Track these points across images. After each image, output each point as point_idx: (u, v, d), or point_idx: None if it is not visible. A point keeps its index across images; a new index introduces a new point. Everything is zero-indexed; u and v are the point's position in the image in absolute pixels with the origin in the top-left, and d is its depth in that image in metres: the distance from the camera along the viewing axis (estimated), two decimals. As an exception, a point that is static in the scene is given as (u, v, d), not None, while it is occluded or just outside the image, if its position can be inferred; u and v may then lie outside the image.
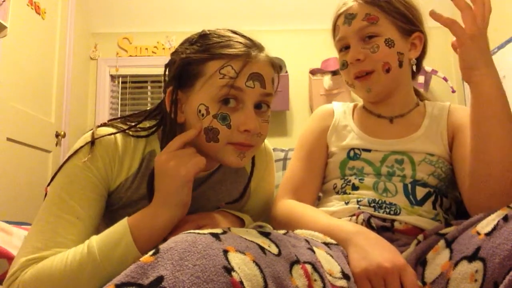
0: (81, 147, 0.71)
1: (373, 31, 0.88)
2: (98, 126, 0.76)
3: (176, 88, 0.73)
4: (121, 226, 0.65)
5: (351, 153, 0.92)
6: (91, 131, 0.74)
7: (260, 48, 0.74)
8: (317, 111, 1.05)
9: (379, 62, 0.88)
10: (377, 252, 0.66)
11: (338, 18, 0.93)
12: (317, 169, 0.96)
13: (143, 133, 0.77)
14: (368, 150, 0.90)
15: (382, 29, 0.88)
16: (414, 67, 0.94)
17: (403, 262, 0.64)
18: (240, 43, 0.71)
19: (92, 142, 0.71)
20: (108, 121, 0.79)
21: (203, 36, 0.74)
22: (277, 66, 0.77)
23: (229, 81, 0.68)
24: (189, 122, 0.73)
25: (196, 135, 0.70)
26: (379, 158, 0.89)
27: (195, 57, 0.71)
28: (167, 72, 0.77)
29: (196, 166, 0.67)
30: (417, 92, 1.02)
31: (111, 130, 0.74)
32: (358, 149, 0.91)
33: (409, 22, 0.90)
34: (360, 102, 1.05)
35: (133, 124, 0.77)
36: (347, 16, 0.90)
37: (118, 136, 0.74)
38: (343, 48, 0.93)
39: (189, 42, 0.75)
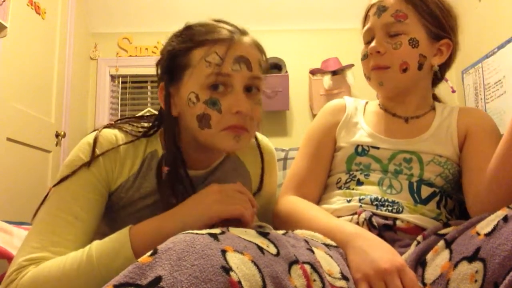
0: (83, 148, 0.72)
1: (398, 29, 0.87)
2: (104, 127, 0.76)
3: (168, 82, 0.74)
4: (122, 236, 0.63)
5: (359, 149, 0.91)
6: (94, 132, 0.75)
7: (243, 32, 0.74)
8: (328, 105, 1.03)
9: (397, 59, 0.87)
10: (376, 253, 0.65)
11: (371, 8, 0.93)
12: (323, 164, 0.95)
13: (144, 131, 0.78)
14: (377, 148, 0.90)
15: (408, 27, 0.87)
16: (438, 74, 0.93)
17: (402, 263, 0.64)
18: (223, 28, 0.72)
19: (94, 143, 0.72)
20: (114, 122, 0.80)
21: (187, 28, 0.75)
22: (263, 48, 0.77)
23: (215, 68, 0.68)
24: (183, 114, 0.73)
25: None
26: (387, 155, 0.88)
27: (180, 48, 0.73)
28: (159, 70, 0.78)
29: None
30: (435, 98, 1.01)
31: (114, 131, 0.75)
32: (367, 145, 0.91)
33: (440, 27, 0.89)
34: (370, 99, 1.05)
35: (135, 125, 0.79)
36: (379, 8, 0.90)
37: (120, 137, 0.75)
38: (369, 40, 0.93)
39: (175, 35, 0.77)
